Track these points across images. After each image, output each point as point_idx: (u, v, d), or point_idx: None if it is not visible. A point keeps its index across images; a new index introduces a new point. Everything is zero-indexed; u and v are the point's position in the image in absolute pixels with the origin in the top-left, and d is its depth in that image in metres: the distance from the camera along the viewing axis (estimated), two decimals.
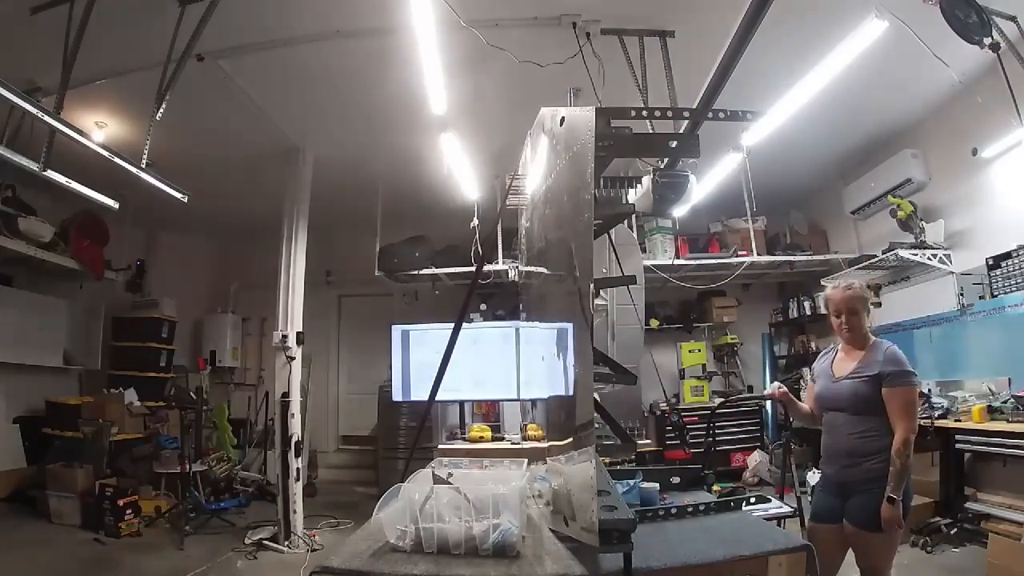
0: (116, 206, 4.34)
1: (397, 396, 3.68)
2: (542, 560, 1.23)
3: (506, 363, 4.05)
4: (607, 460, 2.38)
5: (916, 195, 4.86)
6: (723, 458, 5.78)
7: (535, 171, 1.99)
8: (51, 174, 3.48)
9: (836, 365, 2.31)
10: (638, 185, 3.34)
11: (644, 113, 1.57)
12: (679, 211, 4.14)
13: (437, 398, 2.24)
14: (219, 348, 6.86)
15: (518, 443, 4.06)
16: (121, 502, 4.48)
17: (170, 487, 5.21)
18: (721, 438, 5.86)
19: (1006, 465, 3.67)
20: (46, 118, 2.87)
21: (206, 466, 5.36)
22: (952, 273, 4.52)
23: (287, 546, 4.27)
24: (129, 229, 6.09)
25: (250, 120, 4.40)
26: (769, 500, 2.90)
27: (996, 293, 4.07)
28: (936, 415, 3.82)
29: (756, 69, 3.01)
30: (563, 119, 1.49)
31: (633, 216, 5.27)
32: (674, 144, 1.67)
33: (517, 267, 5.06)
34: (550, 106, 1.69)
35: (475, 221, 5.39)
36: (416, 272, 5.78)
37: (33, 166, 3.37)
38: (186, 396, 5.55)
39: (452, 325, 1.92)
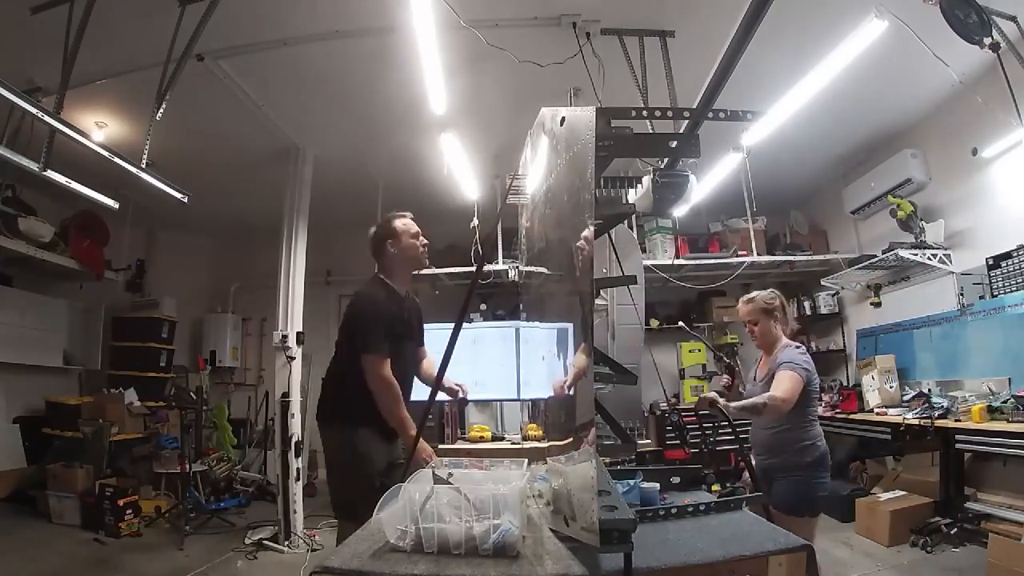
0: (116, 206, 4.34)
1: None
2: (542, 560, 1.23)
3: (506, 363, 4.05)
4: (607, 460, 2.38)
5: (916, 195, 4.85)
6: (723, 458, 5.77)
7: (535, 171, 1.99)
8: (51, 174, 3.47)
9: (757, 371, 2.68)
10: (638, 185, 3.33)
11: (644, 113, 1.58)
12: (679, 211, 4.14)
13: (437, 398, 2.24)
14: (219, 348, 6.84)
15: (518, 443, 4.06)
16: (121, 502, 4.48)
17: (170, 487, 5.20)
18: (722, 438, 5.84)
19: (1006, 465, 3.67)
20: (46, 118, 2.87)
21: (206, 466, 5.36)
22: (952, 273, 4.51)
23: (287, 546, 4.27)
24: (129, 229, 6.07)
25: (250, 120, 4.39)
26: None
27: (996, 293, 4.07)
28: (936, 415, 3.82)
29: (756, 69, 3.01)
30: (563, 119, 1.49)
31: (633, 216, 5.27)
32: (674, 144, 1.68)
33: (517, 267, 5.05)
34: (550, 106, 1.69)
35: (475, 221, 5.38)
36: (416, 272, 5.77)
37: (33, 166, 3.36)
38: (186, 396, 5.54)
39: (452, 325, 1.92)
